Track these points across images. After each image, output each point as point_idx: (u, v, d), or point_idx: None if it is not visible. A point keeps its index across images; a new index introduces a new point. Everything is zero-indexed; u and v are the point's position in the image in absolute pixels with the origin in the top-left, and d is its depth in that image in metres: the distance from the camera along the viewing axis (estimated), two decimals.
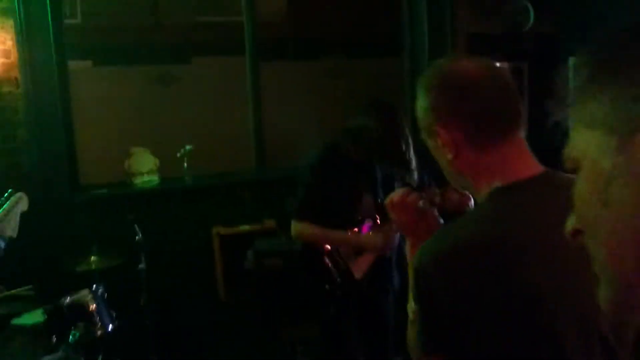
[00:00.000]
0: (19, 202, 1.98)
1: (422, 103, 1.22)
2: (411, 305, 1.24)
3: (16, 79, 3.63)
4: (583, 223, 0.64)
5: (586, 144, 0.62)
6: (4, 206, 1.93)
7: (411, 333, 1.24)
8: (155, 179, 4.12)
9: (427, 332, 1.14)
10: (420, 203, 1.37)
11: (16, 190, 3.37)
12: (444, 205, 2.57)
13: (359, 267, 2.74)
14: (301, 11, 6.14)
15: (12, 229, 1.92)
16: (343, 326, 2.78)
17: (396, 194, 1.39)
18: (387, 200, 1.40)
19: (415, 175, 2.69)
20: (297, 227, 2.74)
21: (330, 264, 2.73)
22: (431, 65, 1.26)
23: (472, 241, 1.09)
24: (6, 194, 1.98)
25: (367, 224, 2.76)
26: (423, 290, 1.12)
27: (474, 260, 1.07)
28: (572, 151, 0.64)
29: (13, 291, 3.02)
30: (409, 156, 2.61)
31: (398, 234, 2.73)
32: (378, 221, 2.76)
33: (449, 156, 1.18)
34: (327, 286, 2.73)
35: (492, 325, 1.06)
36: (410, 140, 2.62)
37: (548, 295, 1.04)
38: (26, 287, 3.06)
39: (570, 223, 0.66)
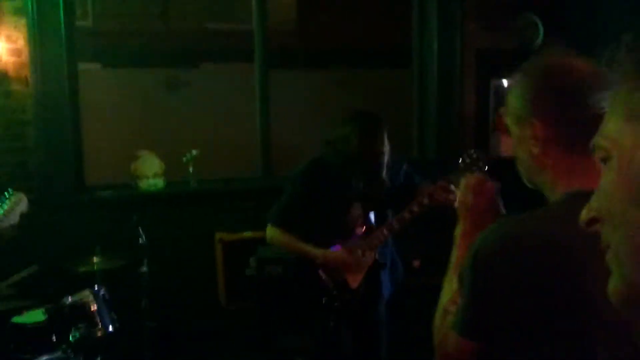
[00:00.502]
0: (20, 203, 1.98)
1: (521, 91, 1.21)
2: (452, 287, 1.25)
3: (26, 77, 3.65)
4: (604, 213, 0.63)
5: (620, 134, 0.61)
6: (4, 205, 1.93)
7: (440, 316, 1.25)
8: (160, 182, 4.12)
9: (469, 316, 1.14)
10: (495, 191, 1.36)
11: (20, 189, 3.38)
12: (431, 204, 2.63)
13: (355, 276, 2.75)
14: (311, 21, 6.17)
15: (12, 228, 1.93)
16: (340, 337, 2.77)
17: (475, 177, 1.39)
18: (465, 180, 1.39)
19: (386, 183, 2.74)
20: (271, 232, 2.83)
21: (324, 276, 2.74)
22: (538, 56, 1.24)
23: (541, 237, 1.09)
24: (6, 193, 1.97)
25: (337, 245, 2.77)
26: (479, 274, 1.12)
27: (538, 255, 1.07)
28: (603, 141, 0.63)
29: (21, 273, 3.00)
30: (381, 168, 2.64)
31: (373, 252, 2.76)
32: (363, 231, 2.79)
33: (535, 150, 1.18)
34: (324, 299, 2.74)
35: (541, 322, 1.06)
36: (386, 153, 2.65)
37: (600, 307, 1.05)
38: (31, 268, 3.05)
39: (587, 212, 0.65)
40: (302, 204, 2.77)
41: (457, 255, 1.34)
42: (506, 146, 4.78)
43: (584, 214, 0.66)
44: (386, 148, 2.66)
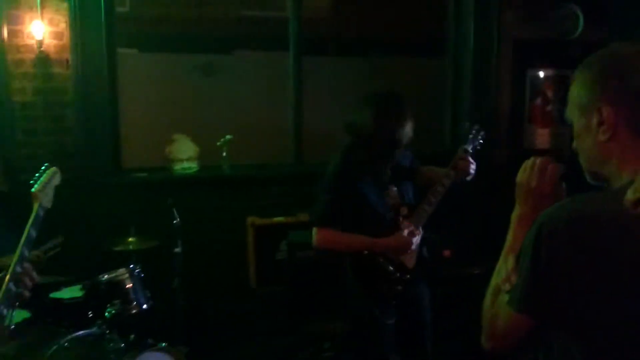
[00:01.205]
0: (54, 176, 2.11)
1: (587, 79, 1.20)
2: (507, 266, 1.24)
3: (67, 60, 3.73)
4: None
5: None
6: (42, 178, 2.05)
7: (491, 296, 1.25)
8: (194, 166, 4.19)
9: (528, 292, 1.14)
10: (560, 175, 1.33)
11: (59, 169, 3.49)
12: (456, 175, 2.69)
13: (409, 256, 2.78)
14: (345, 8, 6.15)
15: (48, 200, 2.05)
16: (382, 324, 2.75)
17: (539, 158, 1.35)
18: (528, 161, 1.36)
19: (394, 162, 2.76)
20: (320, 234, 2.74)
21: (383, 261, 2.74)
22: (602, 49, 1.24)
23: (607, 217, 1.08)
24: (42, 167, 2.10)
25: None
26: (541, 251, 1.11)
27: (604, 235, 1.07)
28: None
29: (47, 244, 3.10)
30: (400, 143, 2.64)
31: (420, 229, 2.78)
32: (405, 212, 2.79)
33: (604, 137, 1.17)
34: (384, 286, 2.73)
35: (602, 303, 1.07)
36: (408, 130, 2.64)
37: None
38: (57, 238, 3.15)
39: (633, 192, 0.66)
40: (343, 200, 2.71)
41: (512, 238, 1.32)
42: (541, 138, 4.73)
43: (630, 194, 0.67)
44: (408, 127, 2.64)
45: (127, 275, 2.94)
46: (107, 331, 2.81)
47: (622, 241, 1.07)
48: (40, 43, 3.64)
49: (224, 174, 4.22)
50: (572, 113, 1.25)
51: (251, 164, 4.47)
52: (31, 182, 2.04)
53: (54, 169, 2.12)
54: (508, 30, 4.50)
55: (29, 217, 1.96)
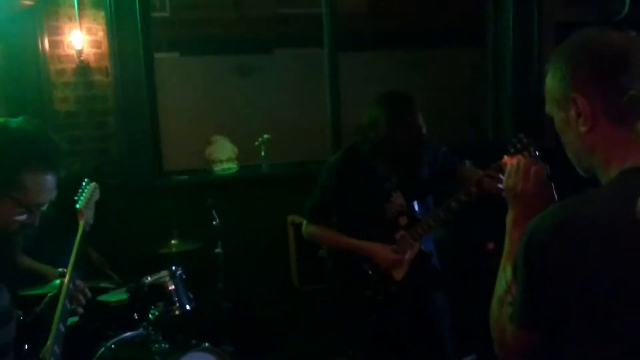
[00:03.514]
0: (95, 191, 2.11)
1: (558, 71, 1.16)
2: (506, 277, 1.21)
3: (106, 68, 3.82)
4: None
5: None
6: (84, 194, 2.05)
7: (496, 307, 1.22)
8: (234, 166, 4.22)
9: (526, 306, 1.11)
10: (545, 175, 1.31)
11: (104, 175, 3.57)
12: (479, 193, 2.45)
13: (399, 269, 2.62)
14: (381, 1, 6.10)
15: (91, 217, 2.06)
16: (386, 331, 2.68)
17: (522, 160, 1.34)
18: (512, 165, 1.35)
19: (426, 170, 2.58)
20: (308, 229, 2.73)
21: (368, 269, 2.64)
22: (571, 36, 1.19)
23: (598, 219, 1.04)
24: (84, 183, 2.11)
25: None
26: (533, 262, 1.08)
27: (595, 239, 1.03)
28: None
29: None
30: (417, 151, 2.46)
31: (417, 243, 2.62)
32: (405, 222, 2.63)
33: (583, 129, 1.13)
34: (368, 292, 2.64)
35: (599, 309, 1.03)
36: (422, 134, 2.45)
37: None
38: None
39: None
40: (336, 197, 2.64)
41: (509, 243, 1.29)
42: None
43: None
44: (421, 130, 2.45)
45: (169, 277, 2.97)
46: (152, 332, 2.86)
47: (615, 244, 1.02)
48: (80, 52, 3.73)
49: (263, 173, 4.24)
50: (551, 107, 1.20)
51: (290, 163, 4.48)
52: (75, 198, 2.04)
53: (94, 184, 2.12)
54: (549, 14, 4.36)
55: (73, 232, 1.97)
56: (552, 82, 1.18)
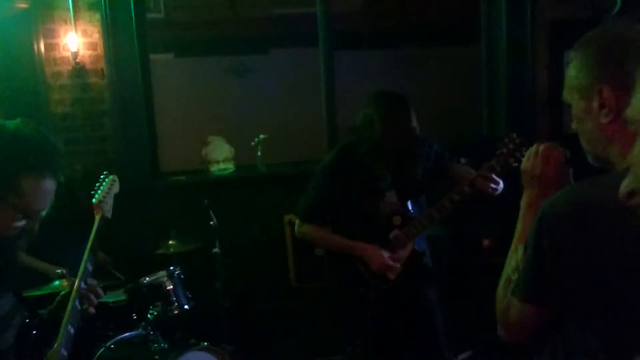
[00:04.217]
0: (114, 184, 2.05)
1: (585, 60, 1.17)
2: (517, 257, 1.23)
3: (102, 70, 3.83)
4: None
5: None
6: (102, 188, 2.00)
7: (503, 286, 1.24)
8: (230, 167, 4.24)
9: (533, 281, 1.13)
10: (564, 160, 1.33)
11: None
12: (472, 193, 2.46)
13: (392, 268, 2.64)
14: (376, 1, 6.12)
15: (108, 210, 2.00)
16: (381, 328, 2.69)
17: (543, 144, 1.36)
18: (532, 148, 1.36)
19: (416, 169, 2.59)
20: (301, 228, 2.74)
21: (362, 267, 2.65)
22: (599, 27, 1.21)
23: (607, 203, 1.05)
24: (102, 176, 2.05)
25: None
26: (543, 240, 1.11)
27: (605, 222, 1.05)
28: (635, 114, 0.62)
29: None
30: (411, 149, 2.47)
31: (411, 243, 2.65)
32: (399, 221, 2.65)
33: (605, 120, 1.14)
34: (361, 289, 2.65)
35: (603, 290, 1.05)
36: (414, 132, 2.49)
37: None
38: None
39: (626, 185, 0.64)
40: (330, 197, 2.65)
41: (522, 225, 1.32)
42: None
43: (623, 187, 0.65)
44: (414, 128, 2.49)
45: (167, 277, 3.00)
46: (151, 332, 2.88)
47: (626, 227, 1.03)
48: (75, 54, 3.74)
49: (260, 173, 4.25)
50: (571, 95, 1.21)
51: (286, 163, 4.50)
52: (92, 192, 2.00)
53: (112, 177, 2.05)
54: (542, 11, 4.37)
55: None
56: (576, 71, 1.19)
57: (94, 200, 1.95)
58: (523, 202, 1.35)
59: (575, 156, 1.34)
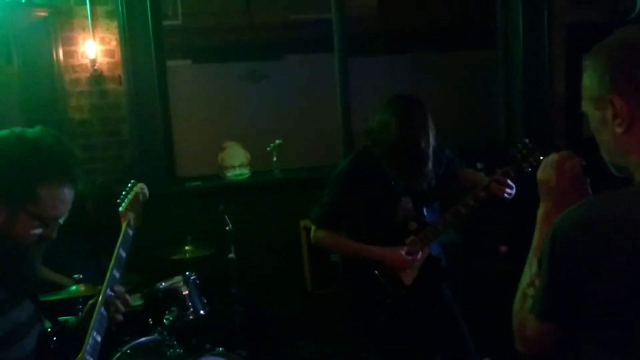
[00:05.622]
0: (142, 192, 2.06)
1: (596, 70, 1.15)
2: (531, 270, 1.22)
3: (119, 77, 3.87)
4: None
5: None
6: (129, 196, 2.01)
7: (519, 300, 1.23)
8: (246, 172, 4.25)
9: (547, 299, 1.12)
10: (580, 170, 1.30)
11: (117, 181, 3.56)
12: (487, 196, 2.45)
13: (409, 273, 2.64)
14: (391, 5, 6.12)
15: (137, 218, 2.00)
16: (397, 334, 2.68)
17: (558, 154, 1.33)
18: (547, 158, 1.34)
19: (430, 174, 2.56)
20: (317, 234, 2.74)
21: (378, 273, 2.65)
22: (611, 35, 1.19)
23: (622, 219, 1.05)
24: (130, 184, 2.06)
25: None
26: (557, 256, 1.09)
27: (620, 238, 1.03)
28: None
29: None
30: (427, 154, 2.45)
31: (427, 248, 2.64)
32: (414, 227, 2.64)
33: (619, 130, 1.12)
34: (377, 295, 2.65)
35: (618, 306, 1.03)
36: (431, 137, 2.46)
37: None
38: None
39: None
40: (346, 203, 2.64)
41: (538, 237, 1.30)
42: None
43: None
44: (431, 134, 2.46)
45: (183, 282, 3.01)
46: (167, 337, 2.89)
47: (636, 245, 1.02)
48: (93, 62, 3.78)
49: (275, 178, 4.26)
50: (587, 106, 1.19)
51: (302, 168, 4.50)
52: (118, 201, 2.00)
53: (140, 184, 2.06)
54: (559, 15, 4.34)
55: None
56: (589, 81, 1.17)
57: (120, 208, 1.96)
58: (539, 212, 1.33)
59: (594, 163, 1.32)
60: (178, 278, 3.02)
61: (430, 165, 2.51)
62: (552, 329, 1.13)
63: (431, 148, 2.47)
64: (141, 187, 2.04)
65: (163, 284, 3.00)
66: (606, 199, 1.10)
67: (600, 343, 1.08)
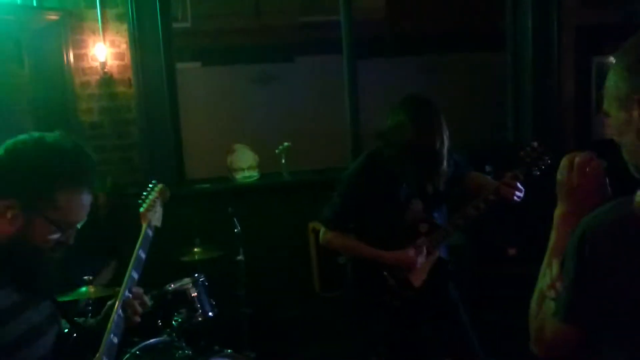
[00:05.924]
0: (163, 193, 2.05)
1: (623, 70, 1.14)
2: (552, 273, 1.19)
3: (129, 79, 3.89)
4: None
5: None
6: (149, 197, 2.01)
7: (537, 302, 1.21)
8: (255, 174, 4.26)
9: (573, 302, 1.10)
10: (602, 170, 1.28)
11: (126, 183, 3.56)
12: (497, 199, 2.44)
13: (418, 275, 2.64)
14: (400, 7, 6.12)
15: (157, 219, 2.00)
16: (406, 336, 2.69)
17: (580, 154, 1.30)
18: (568, 158, 1.31)
19: (446, 175, 2.53)
20: (326, 236, 2.72)
21: (387, 275, 2.64)
22: (636, 34, 1.16)
23: None
24: (150, 185, 2.05)
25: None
26: (585, 258, 1.07)
27: None
28: None
29: None
30: (442, 155, 2.42)
31: (437, 250, 2.63)
32: (425, 229, 2.63)
33: None
34: (386, 297, 2.64)
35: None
36: (445, 137, 2.43)
37: None
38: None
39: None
40: (355, 205, 2.62)
41: (555, 238, 1.28)
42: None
43: (638, 197, 0.63)
44: (445, 134, 2.44)
45: (192, 284, 3.02)
46: (176, 339, 2.90)
47: None
48: (103, 64, 3.81)
49: (284, 180, 4.27)
50: (610, 106, 1.17)
51: (310, 170, 4.50)
52: (139, 201, 1.99)
53: (161, 186, 2.05)
54: (569, 16, 4.32)
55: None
56: (614, 81, 1.15)
57: (141, 209, 1.96)
58: (556, 214, 1.31)
59: (609, 165, 1.31)
60: (187, 280, 3.03)
61: (445, 165, 2.49)
62: (575, 331, 1.11)
63: (445, 148, 2.45)
64: (162, 189, 2.04)
65: (172, 285, 3.01)
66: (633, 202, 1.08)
67: (629, 344, 1.07)
